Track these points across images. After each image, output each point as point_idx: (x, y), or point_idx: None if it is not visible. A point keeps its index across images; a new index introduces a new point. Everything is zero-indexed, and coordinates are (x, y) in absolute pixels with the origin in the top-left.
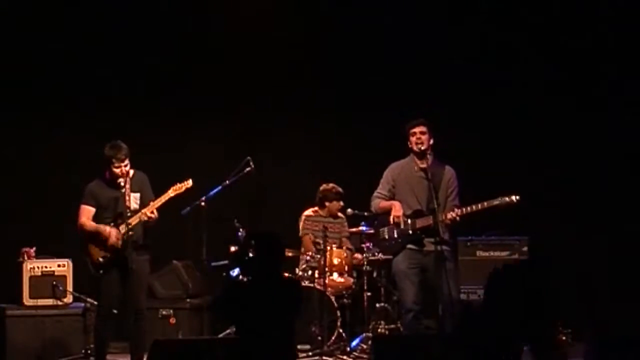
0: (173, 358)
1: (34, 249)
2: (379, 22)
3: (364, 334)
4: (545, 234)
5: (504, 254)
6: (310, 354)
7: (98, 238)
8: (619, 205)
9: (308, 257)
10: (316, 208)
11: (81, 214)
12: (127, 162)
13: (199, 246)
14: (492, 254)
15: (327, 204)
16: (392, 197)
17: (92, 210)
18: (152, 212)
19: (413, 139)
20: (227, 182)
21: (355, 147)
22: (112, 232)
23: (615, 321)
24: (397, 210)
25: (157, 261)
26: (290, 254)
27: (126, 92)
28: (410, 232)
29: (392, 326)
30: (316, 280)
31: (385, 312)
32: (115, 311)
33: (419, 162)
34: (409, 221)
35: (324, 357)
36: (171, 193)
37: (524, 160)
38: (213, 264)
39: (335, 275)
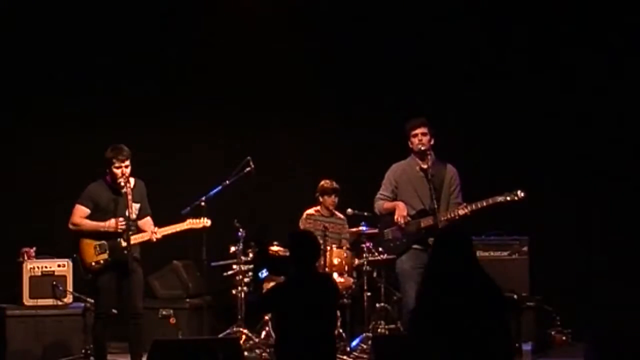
0: (173, 358)
1: (34, 249)
2: (379, 22)
3: (364, 334)
4: (545, 234)
5: (504, 254)
6: None
7: (99, 233)
8: (619, 205)
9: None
10: (318, 208)
11: (75, 213)
12: (128, 162)
13: (199, 246)
14: (492, 254)
15: (321, 199)
16: (395, 198)
17: (87, 211)
18: (158, 237)
19: (414, 139)
20: (227, 182)
21: (355, 147)
22: (111, 224)
23: (615, 321)
24: (401, 210)
25: (157, 261)
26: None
27: (126, 93)
28: (415, 231)
29: (392, 326)
30: None
31: (385, 312)
32: (114, 311)
33: (420, 162)
34: (414, 221)
35: None
36: (185, 226)
37: (524, 160)
38: (213, 264)
39: (335, 275)
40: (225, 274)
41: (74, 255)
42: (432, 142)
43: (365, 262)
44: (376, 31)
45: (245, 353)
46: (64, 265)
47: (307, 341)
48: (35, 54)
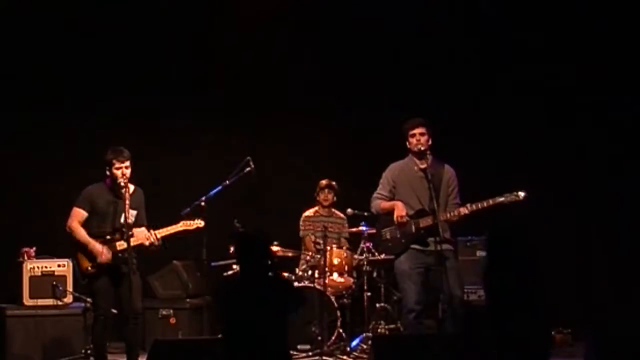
0: (173, 358)
1: (34, 249)
2: (379, 21)
3: (364, 334)
4: (545, 233)
5: None
6: (310, 354)
7: (87, 250)
8: (619, 205)
9: (308, 257)
10: (316, 208)
11: (72, 216)
12: (128, 164)
13: (199, 246)
14: None
15: (318, 198)
16: (392, 198)
17: (84, 214)
18: (158, 240)
19: (412, 140)
20: (227, 182)
21: (355, 147)
22: (103, 251)
23: (615, 321)
24: (400, 210)
25: (157, 261)
26: (290, 254)
27: (126, 93)
28: (414, 231)
29: (392, 326)
30: (316, 280)
31: (385, 312)
32: (114, 311)
33: (418, 162)
34: (412, 221)
35: (324, 357)
36: (180, 227)
37: (524, 160)
38: (213, 264)
39: (335, 275)
40: (225, 274)
41: (73, 260)
42: (430, 142)
43: (365, 262)
44: (376, 31)
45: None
46: (64, 265)
47: (248, 350)
48: (35, 55)
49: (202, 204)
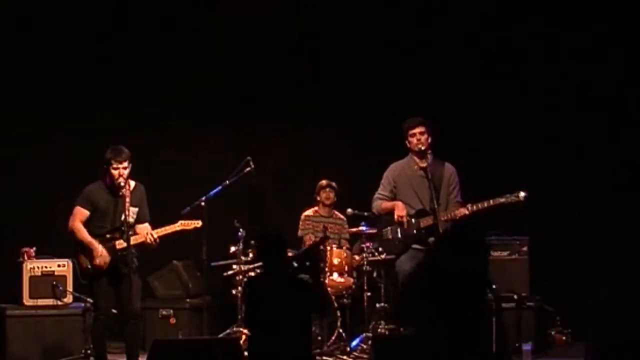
0: (173, 358)
1: (34, 249)
2: (379, 22)
3: (364, 334)
4: (545, 234)
5: (504, 254)
6: None
7: (87, 250)
8: (619, 204)
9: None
10: (316, 208)
11: (75, 215)
12: (126, 164)
13: (199, 246)
14: (492, 254)
15: (318, 197)
16: (393, 198)
17: (86, 213)
18: (156, 239)
19: (413, 139)
20: (227, 182)
21: (355, 147)
22: (103, 253)
23: (615, 321)
24: (400, 210)
25: (157, 261)
26: (290, 254)
27: (126, 92)
28: (415, 231)
29: (392, 326)
30: None
31: (385, 312)
32: (114, 311)
33: (419, 161)
34: (413, 221)
35: (324, 357)
36: (177, 227)
37: (524, 160)
38: (213, 264)
39: (335, 275)
40: (225, 274)
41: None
42: (430, 141)
43: (365, 262)
44: (376, 31)
45: (245, 353)
46: (64, 265)
47: (275, 341)
48: (34, 54)
49: (202, 204)
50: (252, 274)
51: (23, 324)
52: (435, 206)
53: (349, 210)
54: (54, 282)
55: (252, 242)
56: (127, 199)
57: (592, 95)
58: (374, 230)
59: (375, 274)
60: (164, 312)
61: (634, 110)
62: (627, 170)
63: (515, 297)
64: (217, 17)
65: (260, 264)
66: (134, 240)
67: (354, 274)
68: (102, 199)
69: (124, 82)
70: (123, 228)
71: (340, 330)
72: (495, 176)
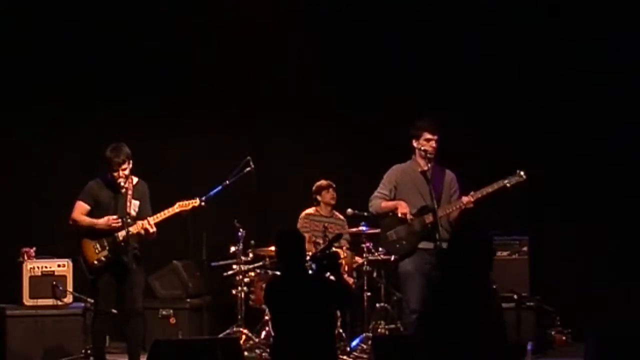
0: (173, 358)
1: (34, 249)
2: (379, 22)
3: (364, 334)
4: (546, 234)
5: (504, 254)
6: None
7: (96, 231)
8: (619, 204)
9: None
10: (317, 208)
11: (75, 209)
12: (125, 165)
13: (199, 246)
14: None
15: (319, 197)
16: (392, 198)
17: (87, 208)
18: (152, 227)
19: (426, 143)
20: (227, 182)
21: (355, 147)
22: (104, 221)
23: (615, 321)
24: (403, 207)
25: (157, 261)
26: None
27: (126, 92)
28: (419, 229)
29: (392, 326)
30: None
31: (385, 312)
32: (114, 311)
33: (422, 164)
34: (417, 219)
35: None
36: (177, 209)
37: (524, 160)
38: (213, 264)
39: None
40: (225, 274)
41: (78, 258)
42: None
43: (365, 262)
44: (376, 31)
45: (245, 353)
46: (64, 265)
47: (301, 340)
48: (34, 53)
49: (202, 204)
50: (252, 274)
51: (23, 324)
52: (435, 206)
53: (349, 210)
54: (54, 282)
55: (252, 242)
56: (129, 192)
57: (592, 95)
58: (374, 230)
59: (375, 274)
60: (164, 312)
61: (636, 110)
62: (627, 170)
63: (515, 297)
64: (217, 17)
65: (260, 264)
66: (133, 229)
67: (354, 274)
68: (104, 194)
69: (124, 82)
70: (124, 219)
71: (340, 330)
72: (495, 176)
